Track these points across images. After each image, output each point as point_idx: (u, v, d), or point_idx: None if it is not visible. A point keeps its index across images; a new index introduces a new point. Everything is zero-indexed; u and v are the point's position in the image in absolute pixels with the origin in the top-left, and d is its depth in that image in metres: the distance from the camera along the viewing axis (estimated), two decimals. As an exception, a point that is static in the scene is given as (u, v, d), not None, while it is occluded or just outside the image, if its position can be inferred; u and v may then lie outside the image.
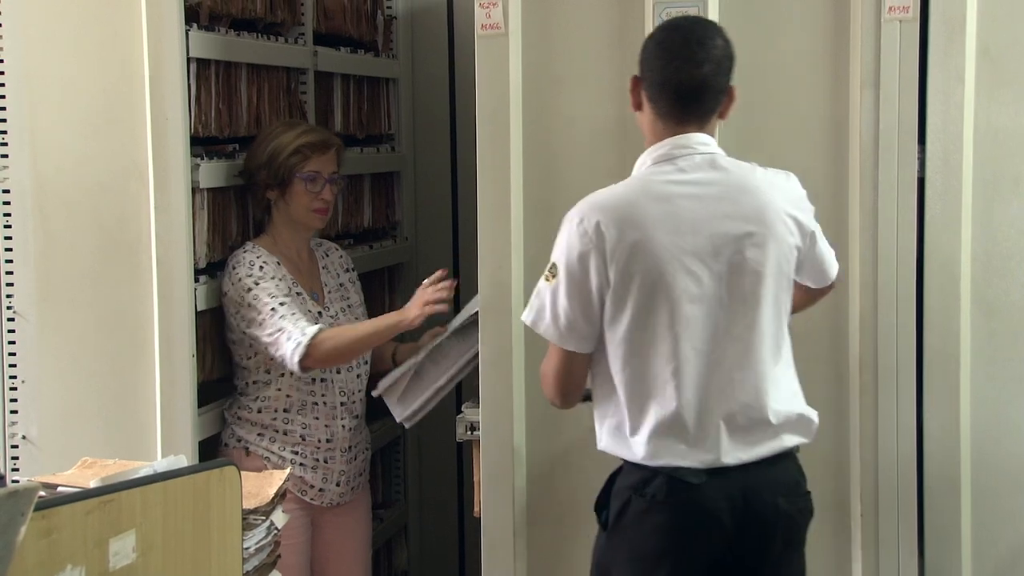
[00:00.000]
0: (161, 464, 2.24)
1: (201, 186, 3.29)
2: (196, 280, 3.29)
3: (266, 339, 3.31)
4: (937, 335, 3.01)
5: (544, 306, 2.67)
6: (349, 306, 3.59)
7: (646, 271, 2.58)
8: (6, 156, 3.27)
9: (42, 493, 1.80)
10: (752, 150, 3.00)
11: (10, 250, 3.29)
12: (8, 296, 3.29)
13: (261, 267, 3.38)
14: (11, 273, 3.29)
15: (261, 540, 2.36)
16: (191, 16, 3.30)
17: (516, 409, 3.12)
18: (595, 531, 2.73)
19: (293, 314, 3.32)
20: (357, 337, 3.38)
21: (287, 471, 2.50)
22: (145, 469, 2.18)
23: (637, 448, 2.63)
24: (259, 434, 3.44)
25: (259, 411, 3.43)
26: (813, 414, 2.70)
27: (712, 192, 2.63)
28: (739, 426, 2.61)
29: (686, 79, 2.63)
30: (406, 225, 4.59)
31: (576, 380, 2.72)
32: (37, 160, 3.27)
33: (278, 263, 3.44)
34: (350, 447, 3.54)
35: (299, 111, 3.90)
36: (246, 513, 2.29)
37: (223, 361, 3.47)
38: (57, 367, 3.29)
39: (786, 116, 3.06)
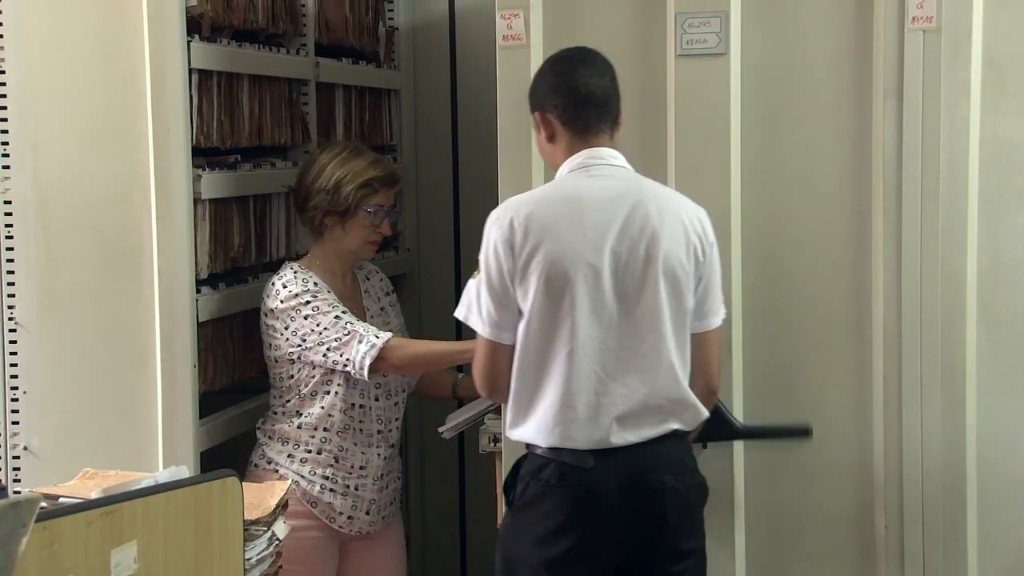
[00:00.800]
0: (163, 475, 2.23)
1: (203, 197, 3.29)
2: (198, 291, 3.29)
3: (333, 343, 3.30)
4: (943, 346, 3.00)
5: (471, 300, 2.89)
6: (391, 330, 3.50)
7: (548, 264, 2.78)
8: (8, 168, 3.27)
9: (43, 504, 1.80)
10: (775, 160, 3.00)
11: (12, 261, 3.29)
12: (10, 307, 3.29)
13: (315, 283, 3.39)
14: (13, 284, 3.29)
15: (263, 551, 2.35)
16: (193, 27, 3.30)
17: None
18: None
19: (359, 321, 3.35)
20: (433, 351, 3.41)
21: (288, 482, 2.49)
22: (147, 480, 2.18)
23: (534, 434, 2.83)
24: (290, 455, 3.41)
25: (298, 427, 3.40)
26: (698, 403, 2.85)
27: (616, 195, 2.83)
28: (628, 410, 2.79)
29: (595, 87, 2.88)
30: (408, 236, 4.59)
31: (501, 371, 2.87)
32: (39, 171, 3.27)
33: (325, 282, 3.44)
34: (382, 475, 3.51)
35: (301, 122, 3.90)
36: (248, 524, 2.29)
37: (224, 372, 3.46)
38: (59, 378, 3.29)
39: (809, 126, 3.05)
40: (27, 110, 3.26)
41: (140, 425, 3.25)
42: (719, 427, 3.01)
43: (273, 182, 3.72)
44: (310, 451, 3.41)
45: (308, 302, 3.34)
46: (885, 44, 2.97)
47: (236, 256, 3.51)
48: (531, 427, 2.83)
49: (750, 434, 3.07)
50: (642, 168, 2.95)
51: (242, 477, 2.35)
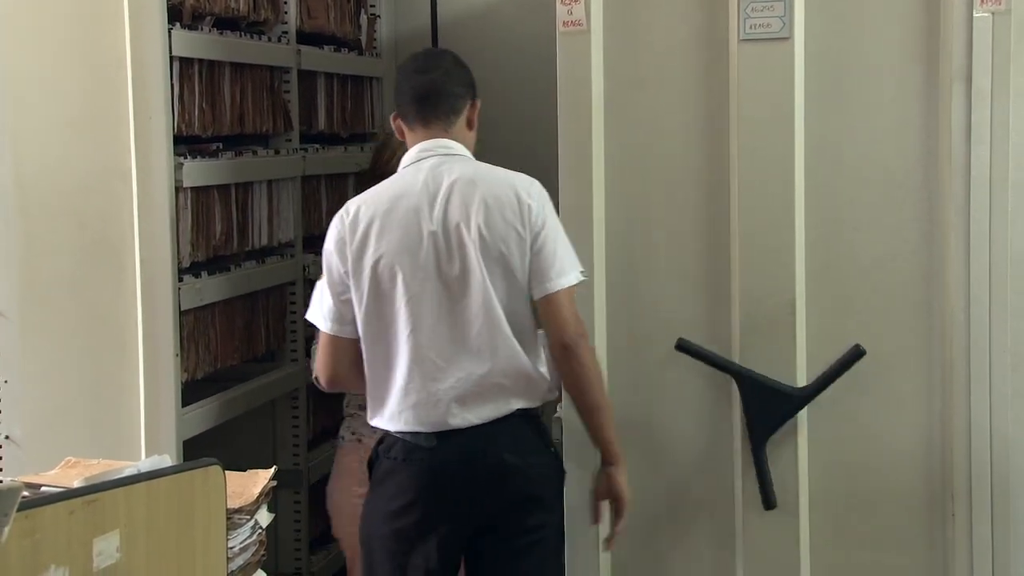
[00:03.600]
0: (145, 464, 2.23)
1: (184, 185, 3.28)
2: (180, 280, 3.28)
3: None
4: (1012, 332, 2.96)
5: (316, 296, 3.04)
6: None
7: (376, 258, 2.92)
8: (-12, 155, 3.26)
9: (25, 493, 1.79)
10: (839, 146, 2.97)
11: (-8, 250, 3.28)
12: (-9, 296, 3.29)
13: None
14: (-7, 273, 3.28)
15: (246, 539, 2.36)
16: (174, 15, 3.29)
17: None
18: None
19: None
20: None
21: (272, 470, 2.49)
22: (129, 469, 2.17)
23: (387, 422, 2.98)
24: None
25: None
26: (542, 374, 2.95)
27: (437, 184, 2.95)
28: (466, 392, 2.92)
29: (419, 85, 3.04)
30: (390, 224, 4.58)
31: (341, 363, 3.01)
32: (19, 160, 3.25)
33: None
34: None
35: (283, 110, 3.89)
36: (231, 512, 2.29)
37: (207, 361, 3.46)
38: (40, 367, 3.28)
39: (874, 111, 3.01)
40: (6, 98, 3.25)
41: (122, 414, 3.24)
42: (779, 405, 3.00)
43: (255, 170, 3.71)
44: None
45: None
46: (953, 27, 2.91)
47: (218, 244, 3.50)
48: (384, 415, 2.97)
49: (813, 392, 3.02)
50: (704, 155, 2.94)
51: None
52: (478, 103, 3.06)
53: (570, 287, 2.94)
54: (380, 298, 2.93)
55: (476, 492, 2.93)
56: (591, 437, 3.02)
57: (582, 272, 2.96)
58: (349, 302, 2.96)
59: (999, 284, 2.95)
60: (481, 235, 2.89)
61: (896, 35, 2.99)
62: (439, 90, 3.05)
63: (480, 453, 2.93)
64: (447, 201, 2.92)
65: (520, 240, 2.91)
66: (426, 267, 2.91)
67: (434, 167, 2.98)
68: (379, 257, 2.92)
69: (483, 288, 2.89)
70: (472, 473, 2.93)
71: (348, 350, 2.99)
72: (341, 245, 2.95)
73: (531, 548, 2.98)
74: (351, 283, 2.95)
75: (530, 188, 2.95)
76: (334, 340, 2.99)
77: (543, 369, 2.97)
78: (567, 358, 2.94)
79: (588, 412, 3.00)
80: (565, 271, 2.93)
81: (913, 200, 2.95)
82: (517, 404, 2.95)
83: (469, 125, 3.08)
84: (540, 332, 2.97)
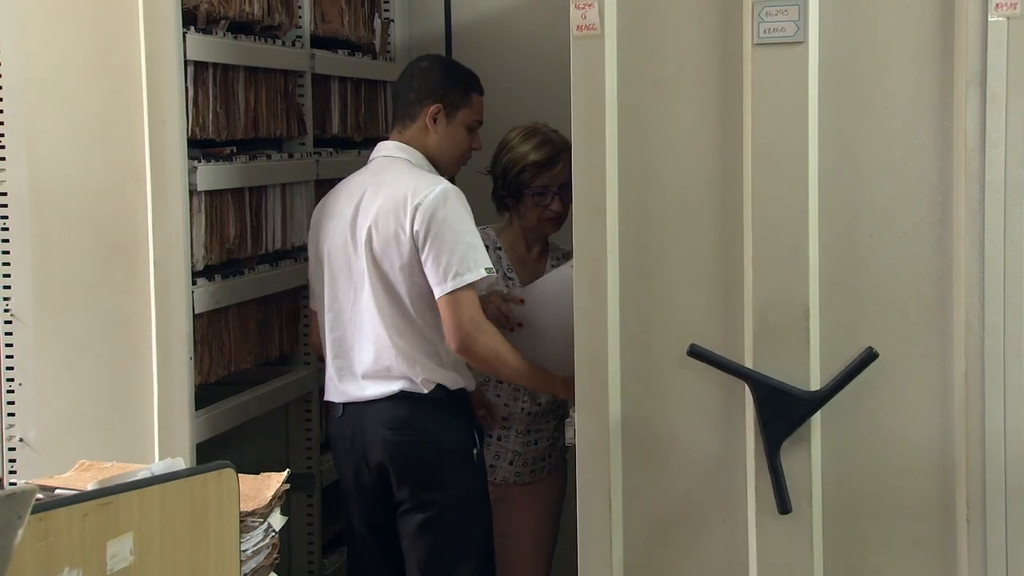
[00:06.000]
0: (158, 467, 2.23)
1: (199, 189, 3.29)
2: (194, 283, 3.29)
3: None
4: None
5: None
6: None
7: (314, 248, 3.47)
8: (4, 160, 3.27)
9: (39, 496, 1.79)
10: (854, 150, 2.95)
11: (7, 253, 3.29)
12: (5, 299, 3.29)
13: None
14: (8, 276, 3.29)
15: (259, 542, 2.36)
16: (188, 19, 3.30)
17: (612, 417, 3.07)
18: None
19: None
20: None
21: (284, 473, 2.50)
22: (142, 472, 2.18)
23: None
24: None
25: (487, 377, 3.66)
26: (426, 372, 3.34)
27: (359, 186, 3.40)
28: (363, 373, 3.37)
29: (394, 91, 3.63)
30: (404, 228, 4.58)
31: (315, 334, 3.58)
32: (34, 164, 3.26)
33: (498, 248, 3.71)
34: (528, 431, 3.73)
35: (296, 114, 3.90)
36: (244, 515, 2.29)
37: (220, 364, 3.47)
38: (54, 370, 3.29)
39: (888, 115, 2.98)
40: (22, 102, 3.26)
41: (136, 417, 3.25)
42: (792, 409, 2.98)
43: (269, 174, 3.72)
44: None
45: None
46: (968, 31, 2.88)
47: (232, 248, 3.51)
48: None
49: (826, 396, 2.99)
50: (718, 159, 2.94)
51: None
52: (438, 107, 3.44)
53: (455, 291, 3.24)
54: (318, 284, 3.45)
55: (369, 463, 3.40)
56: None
57: (487, 269, 3.29)
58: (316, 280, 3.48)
59: (1014, 289, 2.93)
60: (370, 236, 3.30)
61: (910, 39, 2.97)
62: (397, 96, 3.55)
63: (366, 427, 3.37)
64: (359, 201, 3.35)
65: (400, 243, 3.28)
66: (340, 260, 3.37)
67: (372, 168, 3.45)
68: (315, 248, 3.45)
69: (373, 284, 3.31)
70: (361, 444, 3.39)
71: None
72: (311, 230, 3.50)
73: (425, 527, 3.36)
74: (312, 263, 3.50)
75: (426, 194, 3.27)
76: (313, 313, 3.58)
77: (432, 356, 3.34)
78: (464, 356, 3.34)
79: (512, 382, 3.57)
80: (447, 279, 3.25)
81: (927, 205, 2.93)
82: (399, 387, 3.34)
83: (428, 128, 3.45)
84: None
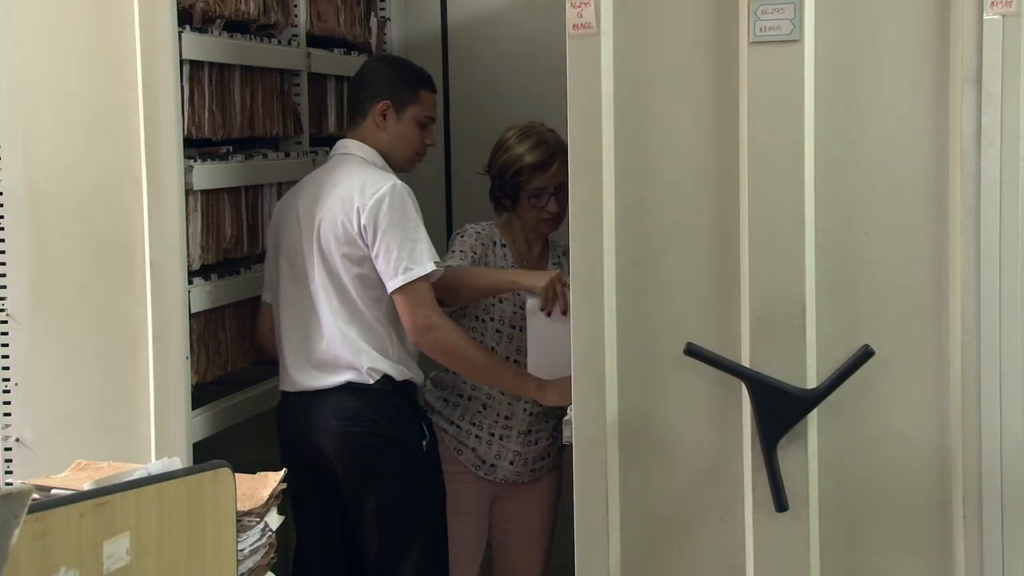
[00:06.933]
0: (155, 466, 2.23)
1: (195, 188, 3.29)
2: (190, 282, 3.29)
3: None
4: (1023, 334, 2.93)
5: None
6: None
7: (275, 241, 3.54)
8: (-1, 159, 3.27)
9: (36, 496, 1.79)
10: (850, 148, 2.95)
11: (3, 252, 3.28)
12: (1, 299, 3.29)
13: (463, 248, 3.66)
14: (4, 276, 3.28)
15: (256, 542, 2.35)
16: (184, 18, 3.29)
17: (609, 415, 3.06)
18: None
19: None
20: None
21: (281, 473, 2.49)
22: (139, 471, 2.18)
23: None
24: (445, 399, 3.74)
25: (453, 372, 3.68)
26: (371, 362, 3.43)
27: (311, 182, 3.51)
28: (313, 363, 3.45)
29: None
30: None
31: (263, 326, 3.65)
32: (30, 163, 3.26)
33: (503, 245, 3.73)
34: (529, 431, 3.74)
35: (292, 113, 3.90)
36: (240, 515, 2.29)
37: (217, 364, 3.46)
38: (51, 370, 3.28)
39: (884, 113, 2.98)
40: (18, 101, 3.25)
41: (132, 416, 3.25)
42: (789, 407, 2.98)
43: (265, 173, 3.72)
44: (462, 396, 3.72)
45: (452, 252, 3.67)
46: (963, 29, 2.88)
47: (228, 247, 3.51)
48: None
49: (823, 394, 2.99)
50: (714, 157, 2.94)
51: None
52: (386, 103, 3.54)
53: (405, 286, 3.34)
54: (273, 277, 3.55)
55: (315, 451, 3.48)
56: None
57: (436, 263, 3.37)
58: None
59: (1009, 287, 2.93)
60: (325, 234, 3.39)
61: (906, 37, 2.97)
62: (351, 95, 3.67)
63: (315, 417, 3.46)
64: (313, 197, 3.44)
65: (348, 239, 3.37)
66: (290, 254, 3.47)
67: (330, 164, 3.55)
68: (272, 241, 3.56)
69: (321, 279, 3.41)
70: (307, 432, 3.49)
71: (268, 316, 3.62)
72: (271, 223, 3.59)
73: (376, 515, 3.44)
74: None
75: (374, 192, 3.35)
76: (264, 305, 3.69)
77: (378, 348, 3.43)
78: (423, 350, 3.46)
79: (474, 380, 3.62)
80: (397, 273, 3.34)
81: (923, 203, 2.94)
82: (346, 378, 3.43)
83: (378, 125, 3.55)
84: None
